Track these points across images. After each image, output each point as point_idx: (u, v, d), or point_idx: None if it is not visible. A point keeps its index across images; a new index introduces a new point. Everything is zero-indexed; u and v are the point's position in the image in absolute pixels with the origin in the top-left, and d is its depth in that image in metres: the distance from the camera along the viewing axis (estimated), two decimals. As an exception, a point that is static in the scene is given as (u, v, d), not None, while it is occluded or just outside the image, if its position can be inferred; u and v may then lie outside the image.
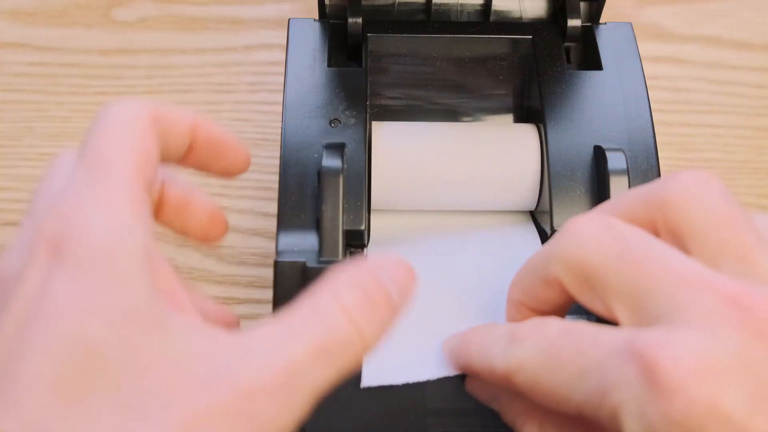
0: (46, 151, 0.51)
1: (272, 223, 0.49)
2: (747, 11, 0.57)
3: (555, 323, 0.28)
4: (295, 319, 0.25)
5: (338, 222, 0.34)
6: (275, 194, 0.42)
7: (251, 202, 0.50)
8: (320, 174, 0.35)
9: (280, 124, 0.39)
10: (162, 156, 0.29)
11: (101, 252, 0.24)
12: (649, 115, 0.39)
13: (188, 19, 0.55)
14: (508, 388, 0.29)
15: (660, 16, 0.56)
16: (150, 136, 0.27)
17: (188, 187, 0.32)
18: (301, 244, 0.35)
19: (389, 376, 0.33)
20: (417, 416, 0.32)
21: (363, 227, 0.35)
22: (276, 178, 0.48)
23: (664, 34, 0.56)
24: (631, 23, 0.43)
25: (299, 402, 0.24)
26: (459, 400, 0.33)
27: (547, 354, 0.27)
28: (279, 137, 0.42)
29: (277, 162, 0.46)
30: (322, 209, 0.35)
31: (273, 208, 0.49)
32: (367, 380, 0.32)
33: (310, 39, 0.41)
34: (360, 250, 0.37)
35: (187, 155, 0.30)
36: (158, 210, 0.32)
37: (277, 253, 0.34)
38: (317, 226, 0.35)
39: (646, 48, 0.53)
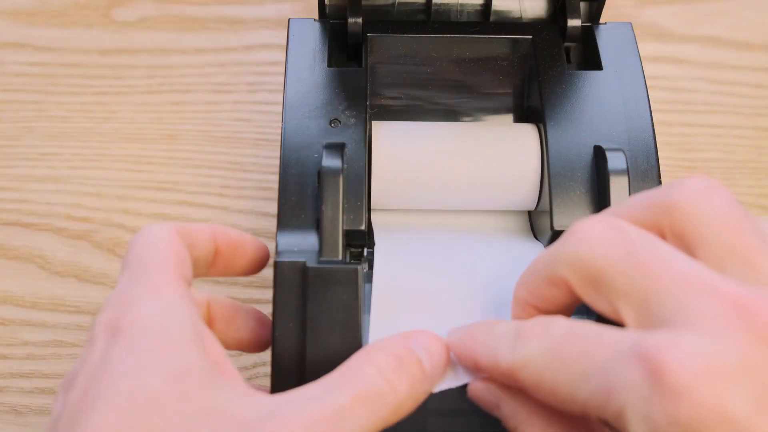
0: (46, 151, 0.51)
1: (272, 223, 0.49)
2: (747, 11, 0.57)
3: (560, 322, 0.28)
4: (333, 378, 0.29)
5: (338, 222, 0.34)
6: (275, 194, 0.42)
7: (251, 202, 0.50)
8: (320, 174, 0.35)
9: (280, 124, 0.39)
10: (194, 265, 0.32)
11: (153, 325, 0.28)
12: (649, 115, 0.39)
13: (188, 19, 0.55)
14: (513, 384, 0.29)
15: (660, 16, 0.56)
16: (178, 242, 0.31)
17: (231, 301, 0.36)
18: (301, 244, 0.35)
19: None
20: (417, 416, 0.32)
21: (363, 227, 0.35)
22: (276, 178, 0.48)
23: (664, 34, 0.56)
24: (631, 23, 0.43)
25: None
26: (459, 400, 0.33)
27: (552, 353, 0.27)
28: (279, 137, 0.42)
29: (277, 162, 0.46)
30: (322, 209, 0.35)
31: (273, 208, 0.49)
32: None
33: (310, 39, 0.41)
34: (360, 250, 0.37)
35: (214, 262, 0.33)
36: (210, 328, 0.35)
37: (277, 253, 0.34)
38: (317, 226, 0.35)
39: (646, 48, 0.53)
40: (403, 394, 0.29)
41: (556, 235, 0.36)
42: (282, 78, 0.40)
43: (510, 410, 0.30)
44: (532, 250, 0.38)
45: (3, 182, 0.50)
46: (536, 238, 0.39)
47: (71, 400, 0.27)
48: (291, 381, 0.33)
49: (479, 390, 0.31)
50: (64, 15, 0.55)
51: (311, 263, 0.33)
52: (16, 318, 0.47)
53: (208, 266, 0.33)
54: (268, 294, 0.45)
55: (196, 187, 0.50)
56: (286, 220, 0.36)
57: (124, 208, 0.49)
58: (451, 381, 0.32)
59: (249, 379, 0.45)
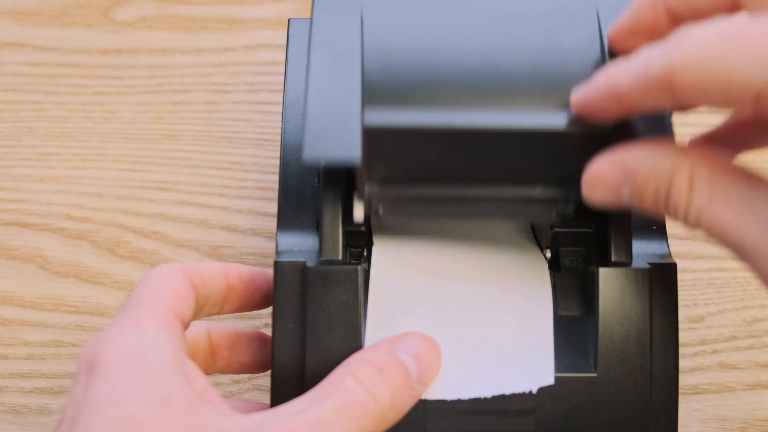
0: (45, 151, 0.51)
1: (272, 223, 0.49)
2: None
3: (740, 16, 0.27)
4: (316, 392, 0.29)
5: (338, 222, 0.34)
6: (275, 194, 0.42)
7: (251, 202, 0.50)
8: (320, 174, 0.35)
9: (280, 124, 0.39)
10: (204, 301, 0.32)
11: (131, 357, 0.28)
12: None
13: (188, 19, 0.55)
14: (664, 96, 0.27)
15: (660, 16, 0.56)
16: (179, 280, 0.31)
17: (232, 327, 0.36)
18: (301, 244, 0.35)
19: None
20: (417, 416, 0.32)
21: (363, 227, 0.35)
22: (276, 178, 0.48)
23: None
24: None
25: None
26: (459, 400, 0.33)
27: (726, 41, 0.26)
28: (279, 137, 0.42)
29: (277, 162, 0.46)
30: (322, 209, 0.34)
31: (273, 208, 0.49)
32: None
33: (310, 39, 0.41)
34: (360, 249, 0.37)
35: (227, 298, 0.34)
36: (214, 356, 0.35)
37: (277, 253, 0.34)
38: (317, 226, 0.35)
39: (646, 48, 0.53)
40: (385, 403, 0.29)
41: (556, 236, 0.36)
42: (282, 78, 0.40)
43: (646, 174, 0.28)
44: (531, 254, 0.38)
45: (3, 182, 0.50)
46: (536, 238, 0.39)
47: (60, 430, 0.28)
48: (291, 382, 0.33)
49: (604, 169, 0.29)
50: (64, 15, 0.55)
51: (311, 263, 0.33)
52: (16, 318, 0.47)
53: (221, 303, 0.34)
54: (268, 294, 0.45)
55: (195, 187, 0.50)
56: (286, 220, 0.36)
57: (123, 208, 0.49)
58: (447, 392, 0.32)
59: (249, 379, 0.45)
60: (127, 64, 0.54)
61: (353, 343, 0.33)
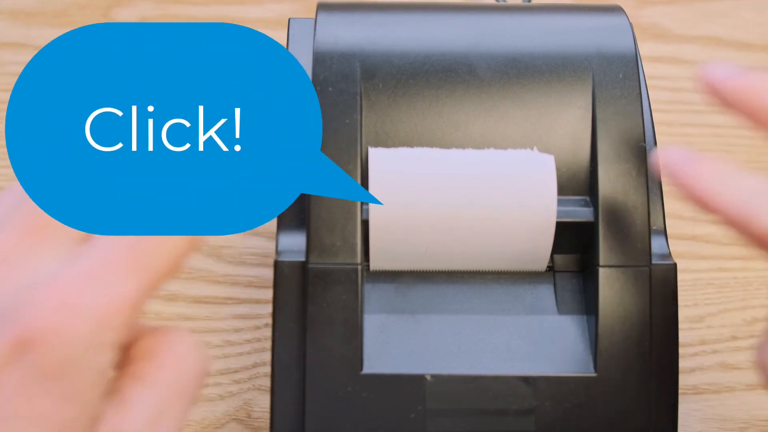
0: (45, 151, 0.51)
1: (272, 223, 0.48)
2: (747, 11, 0.57)
3: None
4: None
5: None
6: (275, 194, 0.42)
7: (251, 202, 0.50)
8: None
9: (280, 124, 0.39)
10: None
11: None
12: (648, 115, 0.39)
13: (188, 19, 0.55)
14: (759, 246, 0.28)
15: (660, 16, 0.56)
16: None
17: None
18: (301, 244, 0.35)
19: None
20: (417, 416, 0.32)
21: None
22: (276, 178, 0.48)
23: (664, 34, 0.56)
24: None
25: None
26: (459, 400, 0.33)
27: None
28: (279, 137, 0.42)
29: (277, 162, 0.46)
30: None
31: (273, 208, 0.49)
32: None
33: (310, 39, 0.41)
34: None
35: None
36: None
37: (277, 252, 0.34)
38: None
39: (646, 48, 0.53)
40: None
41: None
42: (282, 78, 0.40)
43: None
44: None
45: (3, 182, 0.50)
46: None
47: None
48: (292, 381, 0.33)
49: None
50: (64, 15, 0.55)
51: (311, 263, 0.33)
52: (16, 318, 0.47)
53: None
54: (268, 294, 0.45)
55: (196, 187, 0.50)
56: (286, 220, 0.36)
57: (124, 208, 0.49)
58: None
59: (249, 379, 0.45)
60: (127, 64, 0.54)
61: (353, 343, 0.33)
